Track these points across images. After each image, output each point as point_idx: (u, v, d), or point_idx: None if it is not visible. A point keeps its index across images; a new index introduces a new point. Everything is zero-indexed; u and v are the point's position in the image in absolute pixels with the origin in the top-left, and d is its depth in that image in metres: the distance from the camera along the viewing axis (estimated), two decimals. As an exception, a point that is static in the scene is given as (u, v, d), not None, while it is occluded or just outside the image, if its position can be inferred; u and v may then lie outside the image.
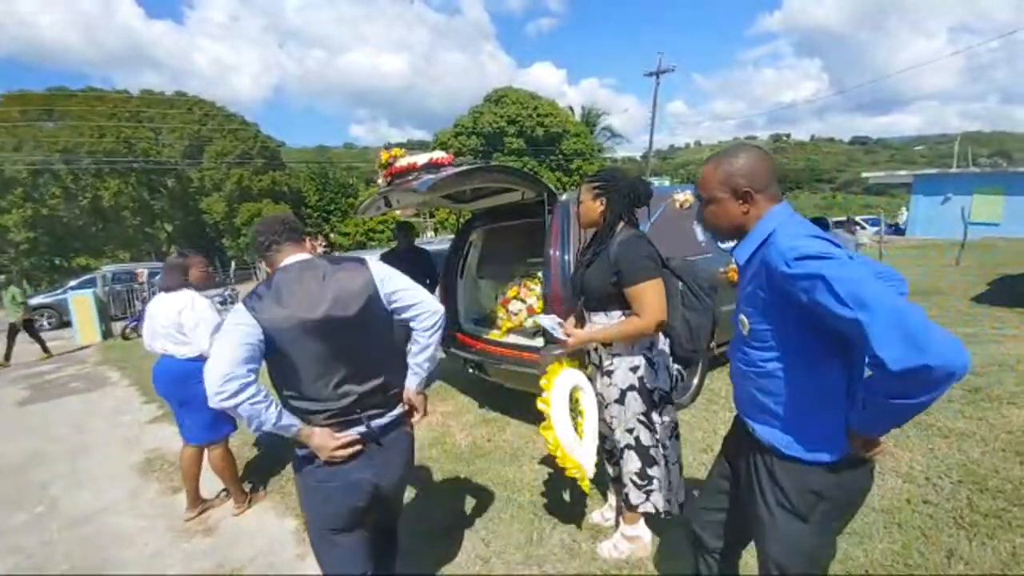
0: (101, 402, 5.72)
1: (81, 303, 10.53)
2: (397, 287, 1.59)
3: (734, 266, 3.97)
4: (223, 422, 2.87)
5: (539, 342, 3.43)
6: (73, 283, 14.22)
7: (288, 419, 1.41)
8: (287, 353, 1.42)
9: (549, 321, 2.17)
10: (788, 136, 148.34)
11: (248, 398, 1.32)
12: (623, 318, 2.00)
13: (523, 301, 3.82)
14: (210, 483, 3.09)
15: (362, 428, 1.51)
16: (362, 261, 1.62)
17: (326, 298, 1.46)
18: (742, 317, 1.27)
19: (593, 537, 2.38)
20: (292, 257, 1.56)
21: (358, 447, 1.50)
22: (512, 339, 3.80)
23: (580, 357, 2.32)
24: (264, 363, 1.43)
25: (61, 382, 6.96)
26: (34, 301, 14.29)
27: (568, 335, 2.08)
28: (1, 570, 2.63)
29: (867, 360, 1.00)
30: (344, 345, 1.47)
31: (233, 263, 20.53)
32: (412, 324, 1.64)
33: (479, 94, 39.36)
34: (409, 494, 2.94)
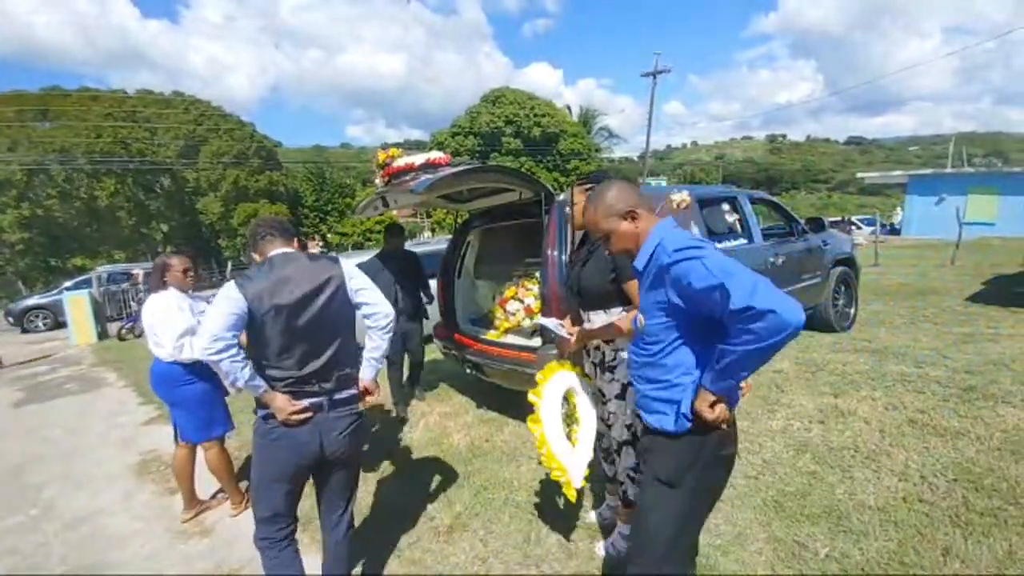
0: (97, 403, 5.70)
1: (77, 304, 10.48)
2: (360, 286, 1.89)
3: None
4: (217, 423, 2.86)
5: (536, 342, 3.44)
6: (68, 284, 14.15)
7: (258, 380, 1.72)
8: (262, 326, 1.71)
9: (551, 322, 2.18)
10: (784, 137, 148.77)
11: (229, 356, 1.64)
12: (623, 315, 2.01)
13: (521, 301, 3.82)
14: (207, 485, 3.08)
15: (316, 399, 1.78)
16: (335, 259, 1.91)
17: (300, 285, 1.75)
18: (640, 316, 1.47)
19: (591, 537, 2.38)
20: (279, 249, 1.85)
21: (310, 414, 1.76)
22: (510, 339, 3.80)
23: (579, 361, 2.32)
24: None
25: (57, 383, 6.93)
26: (30, 302, 14.28)
27: (571, 334, 2.12)
28: (10, 568, 2.62)
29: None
30: (309, 326, 1.76)
31: (230, 263, 20.47)
32: (368, 322, 1.93)
33: (476, 94, 39.38)
34: (408, 494, 2.95)
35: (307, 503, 2.67)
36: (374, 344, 1.96)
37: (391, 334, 1.97)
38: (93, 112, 28.04)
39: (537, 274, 3.71)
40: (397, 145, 3.54)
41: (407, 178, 3.07)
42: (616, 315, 2.04)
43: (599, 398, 2.19)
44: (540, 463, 3.07)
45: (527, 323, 3.71)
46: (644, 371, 1.47)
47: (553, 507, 2.65)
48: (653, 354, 1.42)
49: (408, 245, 5.95)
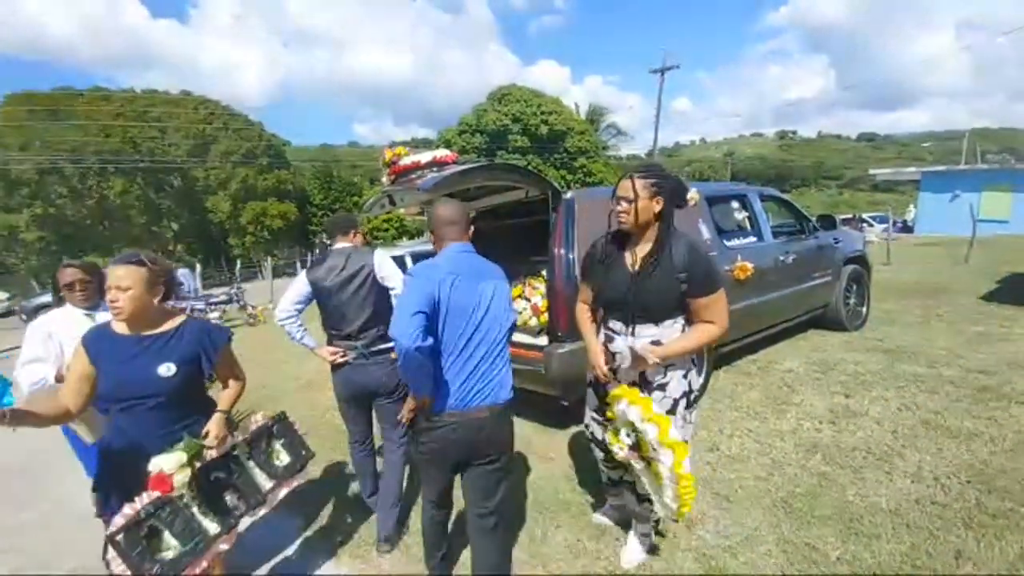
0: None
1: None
2: (386, 273, 2.50)
3: (740, 264, 3.97)
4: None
5: (543, 340, 3.42)
6: (81, 282, 14.30)
7: (309, 340, 2.52)
8: (320, 300, 2.49)
9: (626, 344, 1.90)
10: (794, 133, 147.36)
11: (292, 322, 2.49)
12: (676, 327, 1.90)
13: (527, 300, 3.81)
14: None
15: (354, 351, 2.46)
16: (371, 251, 2.57)
17: (342, 272, 2.45)
18: None
19: (596, 537, 2.37)
20: (337, 244, 2.57)
21: (344, 359, 2.46)
22: (517, 337, 3.78)
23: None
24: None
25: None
26: (43, 299, 14.48)
27: (650, 354, 1.82)
28: (7, 569, 2.65)
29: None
30: (346, 301, 2.45)
31: (238, 262, 20.61)
32: (393, 299, 2.49)
33: (483, 92, 39.24)
34: (413, 492, 2.95)
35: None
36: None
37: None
38: (104, 112, 28.35)
39: (544, 272, 3.69)
40: (404, 143, 3.54)
41: (413, 176, 3.06)
42: (669, 328, 1.90)
43: (602, 394, 2.08)
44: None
45: (534, 322, 3.70)
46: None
47: (559, 506, 2.64)
48: None
49: (415, 244, 5.94)
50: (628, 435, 1.92)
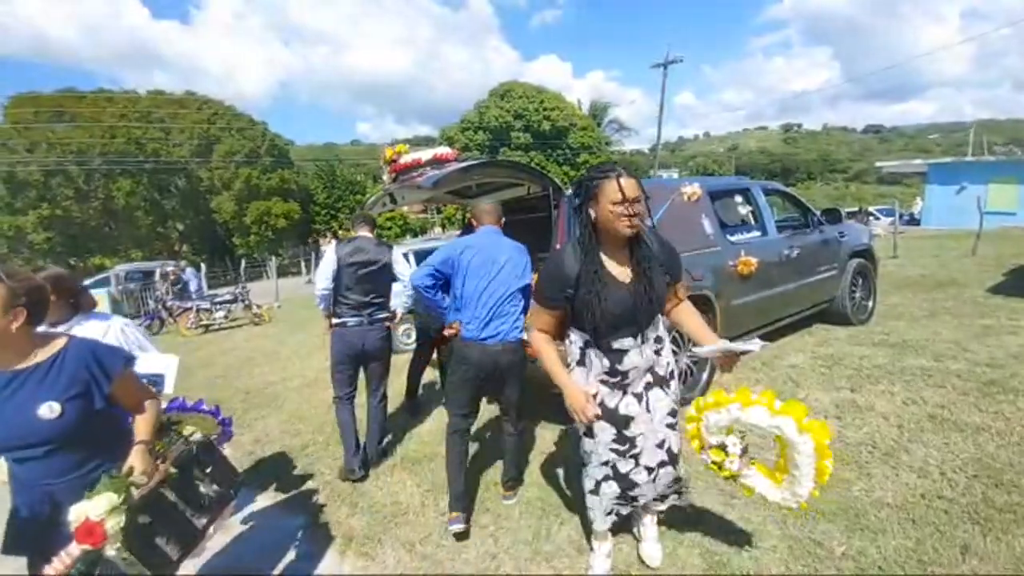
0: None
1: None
2: (400, 268, 3.23)
3: (744, 259, 3.95)
4: None
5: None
6: (88, 282, 14.43)
7: (325, 307, 3.17)
8: (341, 275, 3.07)
9: (712, 348, 1.83)
10: (799, 126, 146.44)
11: (324, 293, 3.12)
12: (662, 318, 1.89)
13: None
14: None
15: (359, 318, 3.09)
16: (390, 246, 3.30)
17: (364, 255, 3.09)
18: None
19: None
20: (359, 232, 3.22)
21: (353, 322, 3.08)
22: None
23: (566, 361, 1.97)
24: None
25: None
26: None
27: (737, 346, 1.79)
28: (12, 569, 2.68)
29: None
30: (364, 277, 3.09)
31: (244, 261, 20.70)
32: (398, 285, 3.27)
33: (485, 89, 39.18)
34: (419, 489, 2.96)
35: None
36: (396, 293, 3.32)
37: (408, 291, 3.15)
38: (108, 113, 28.42)
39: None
40: (406, 141, 3.56)
41: (415, 174, 3.06)
42: (663, 321, 1.90)
43: (621, 419, 1.85)
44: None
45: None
46: None
47: (563, 504, 2.65)
48: None
49: (417, 242, 5.96)
50: (735, 444, 1.83)
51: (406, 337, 6.33)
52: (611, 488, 1.92)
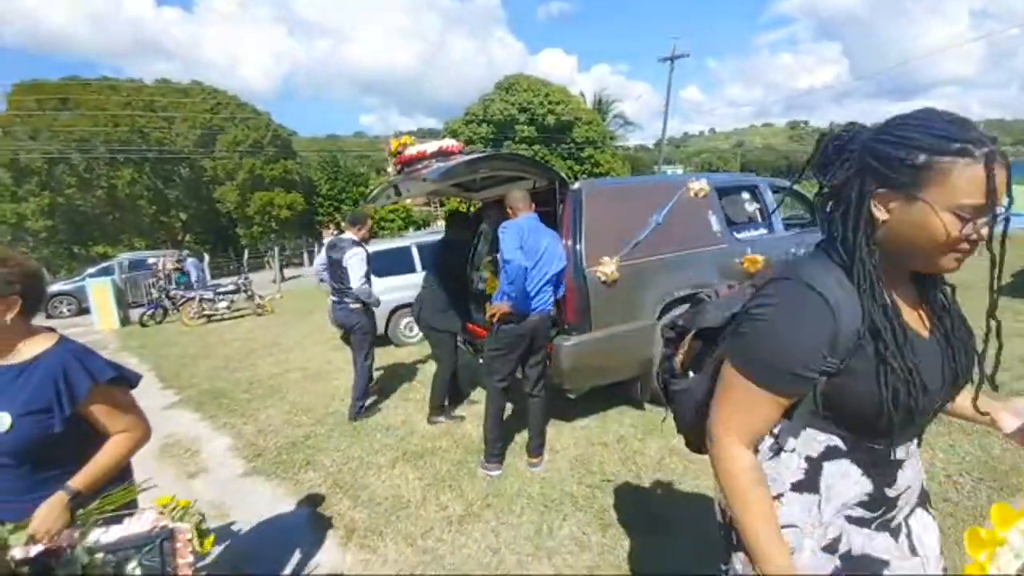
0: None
1: (99, 290, 10.70)
2: (351, 265, 3.76)
3: (750, 256, 3.92)
4: None
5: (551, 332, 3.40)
6: (91, 270, 14.46)
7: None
8: (329, 266, 3.95)
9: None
10: (806, 123, 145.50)
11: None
12: None
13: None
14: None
15: (338, 301, 3.91)
16: (352, 244, 3.82)
17: (342, 252, 3.78)
18: None
19: (603, 529, 2.37)
20: (346, 233, 3.94)
21: (334, 299, 3.96)
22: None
23: None
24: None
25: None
26: (54, 288, 14.62)
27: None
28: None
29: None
30: (339, 269, 3.81)
31: (246, 251, 20.71)
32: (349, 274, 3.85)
33: (489, 82, 38.91)
34: (420, 483, 2.96)
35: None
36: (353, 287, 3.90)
37: (354, 291, 3.78)
38: (112, 101, 28.38)
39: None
40: (410, 133, 3.54)
41: (420, 166, 3.04)
42: None
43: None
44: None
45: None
46: None
47: (565, 499, 2.64)
48: None
49: (421, 234, 5.94)
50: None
51: (408, 331, 6.33)
52: None
